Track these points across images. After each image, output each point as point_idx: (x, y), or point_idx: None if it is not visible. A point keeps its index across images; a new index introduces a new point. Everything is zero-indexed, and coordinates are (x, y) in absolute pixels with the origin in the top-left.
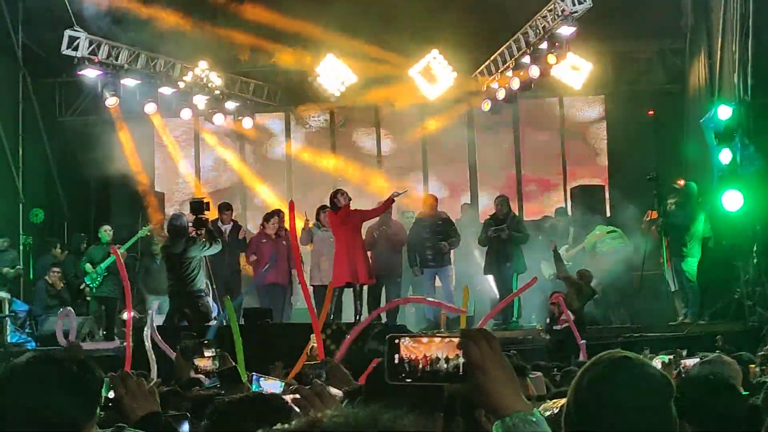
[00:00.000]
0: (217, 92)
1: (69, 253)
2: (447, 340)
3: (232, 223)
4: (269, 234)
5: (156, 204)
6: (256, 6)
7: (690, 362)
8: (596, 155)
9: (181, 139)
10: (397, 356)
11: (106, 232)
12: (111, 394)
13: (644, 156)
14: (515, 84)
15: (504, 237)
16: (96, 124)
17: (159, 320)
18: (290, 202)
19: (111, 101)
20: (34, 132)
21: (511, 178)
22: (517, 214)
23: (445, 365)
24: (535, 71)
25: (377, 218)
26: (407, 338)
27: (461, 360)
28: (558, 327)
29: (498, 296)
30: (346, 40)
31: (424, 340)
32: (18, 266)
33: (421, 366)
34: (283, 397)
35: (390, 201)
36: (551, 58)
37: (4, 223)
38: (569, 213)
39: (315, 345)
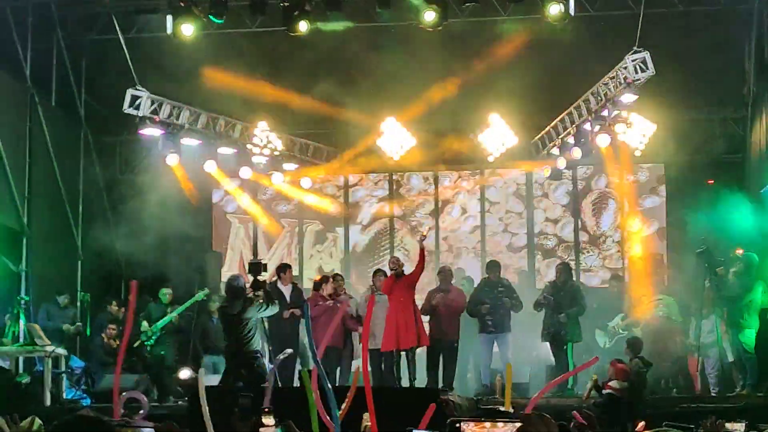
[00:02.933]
0: (277, 153)
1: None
2: (508, 425)
3: (291, 284)
4: (325, 296)
5: (214, 265)
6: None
7: None
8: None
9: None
10: None
11: (166, 294)
12: None
13: (703, 225)
14: (576, 153)
15: (550, 305)
16: (156, 183)
17: (213, 380)
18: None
19: (171, 159)
20: (94, 189)
21: (567, 247)
22: (576, 282)
23: None
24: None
25: (438, 285)
26: (470, 423)
27: None
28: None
29: (554, 364)
30: (406, 103)
31: (487, 425)
32: (77, 323)
33: None
34: None
35: (422, 250)
36: (618, 127)
37: (63, 279)
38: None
39: (368, 424)
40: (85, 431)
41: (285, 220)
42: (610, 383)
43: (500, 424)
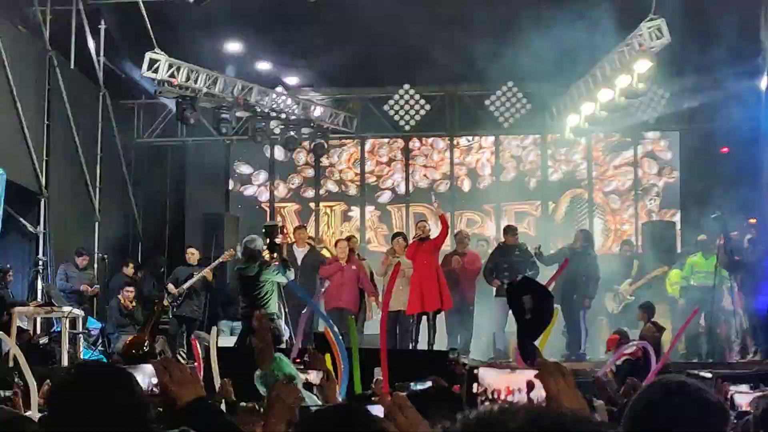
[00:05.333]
0: (293, 117)
1: (146, 273)
2: (526, 372)
3: (307, 245)
4: (339, 258)
5: (231, 227)
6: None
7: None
8: (669, 191)
9: (254, 161)
10: (476, 385)
11: (192, 254)
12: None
13: (717, 194)
14: (589, 110)
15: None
16: (172, 147)
17: (230, 341)
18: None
19: (190, 121)
20: (112, 152)
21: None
22: (594, 253)
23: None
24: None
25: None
26: (489, 368)
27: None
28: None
29: (565, 327)
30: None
31: (506, 370)
32: (96, 284)
33: (502, 396)
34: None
35: (442, 216)
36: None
37: (80, 241)
38: (639, 249)
39: (380, 378)
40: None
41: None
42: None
43: (517, 371)
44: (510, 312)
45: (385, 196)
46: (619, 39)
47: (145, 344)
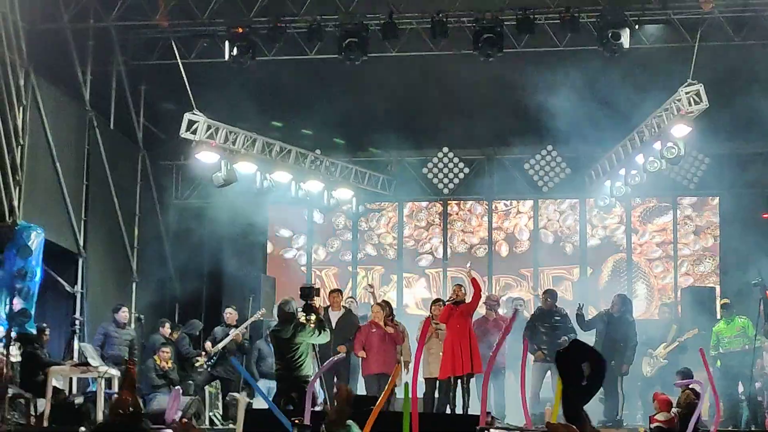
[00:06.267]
0: (331, 179)
1: (183, 333)
2: None
3: (342, 309)
4: (378, 323)
5: (268, 289)
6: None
7: None
8: (709, 256)
9: (294, 224)
10: None
11: (230, 314)
12: None
13: (758, 259)
14: (631, 179)
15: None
16: (210, 207)
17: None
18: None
19: (228, 183)
20: (150, 212)
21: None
22: (632, 318)
23: None
24: (651, 166)
25: (485, 313)
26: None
27: None
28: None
29: (603, 393)
30: (460, 132)
31: None
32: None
33: None
34: None
35: (474, 280)
36: (667, 155)
37: (117, 301)
38: (679, 313)
39: None
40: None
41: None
42: (656, 416)
43: None
44: (545, 377)
45: (424, 261)
46: (658, 104)
47: (129, 404)
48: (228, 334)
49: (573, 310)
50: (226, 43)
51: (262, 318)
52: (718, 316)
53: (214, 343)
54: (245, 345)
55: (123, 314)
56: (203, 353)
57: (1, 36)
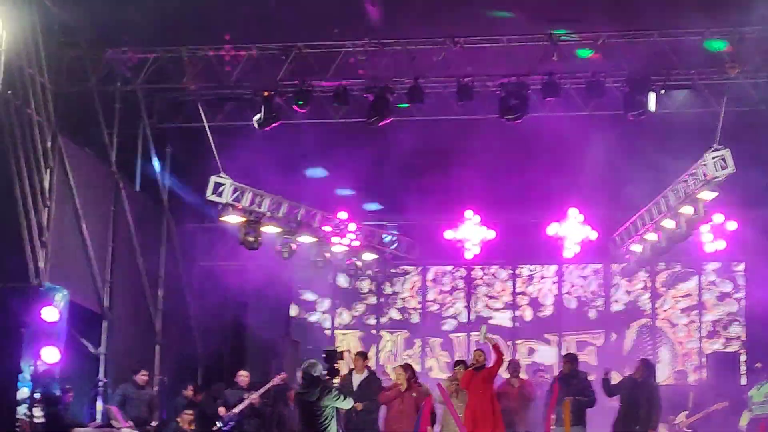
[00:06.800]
0: (356, 243)
1: (205, 396)
2: None
3: (366, 371)
4: (399, 385)
5: (292, 351)
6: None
7: None
8: (734, 322)
9: (318, 288)
10: None
11: (243, 377)
12: None
13: None
14: (655, 244)
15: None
16: (235, 270)
17: None
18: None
19: (253, 246)
20: (174, 274)
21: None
22: (655, 383)
23: None
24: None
25: (508, 377)
26: None
27: None
28: None
29: None
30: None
31: None
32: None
33: None
34: None
35: (495, 345)
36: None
37: (141, 363)
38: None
39: None
40: None
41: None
42: None
43: None
44: None
45: (448, 325)
46: (683, 168)
47: None
48: (241, 398)
49: (599, 375)
50: (253, 106)
51: (282, 382)
52: (744, 382)
53: (227, 407)
54: (263, 409)
55: (142, 377)
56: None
57: (29, 98)
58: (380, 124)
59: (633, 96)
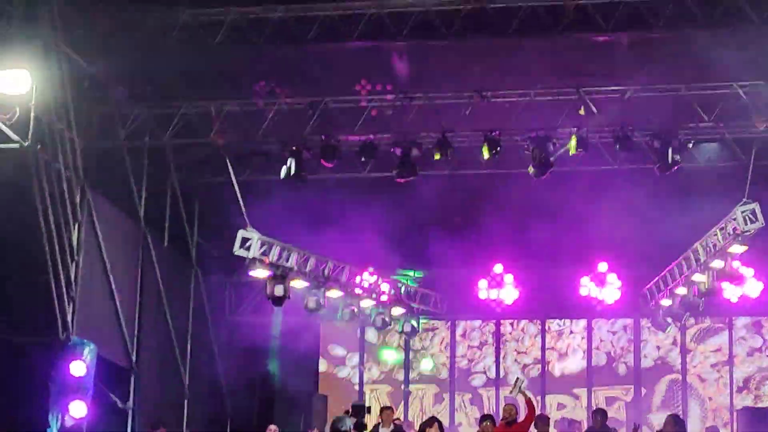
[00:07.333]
0: (384, 298)
1: None
2: None
3: (392, 425)
4: None
5: (320, 406)
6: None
7: None
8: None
9: (347, 342)
10: None
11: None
12: None
13: None
14: (685, 299)
15: None
16: (263, 324)
17: None
18: None
19: (281, 300)
20: (202, 327)
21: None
22: None
23: None
24: (706, 286)
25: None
26: None
27: None
28: None
29: None
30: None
31: None
32: None
33: None
34: None
35: (528, 400)
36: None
37: (169, 417)
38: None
39: None
40: None
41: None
42: None
43: None
44: None
45: (477, 380)
46: (713, 222)
47: None
48: None
49: (628, 430)
50: (280, 160)
51: None
52: None
53: None
54: None
55: None
56: None
57: (57, 152)
58: (408, 178)
59: (661, 150)
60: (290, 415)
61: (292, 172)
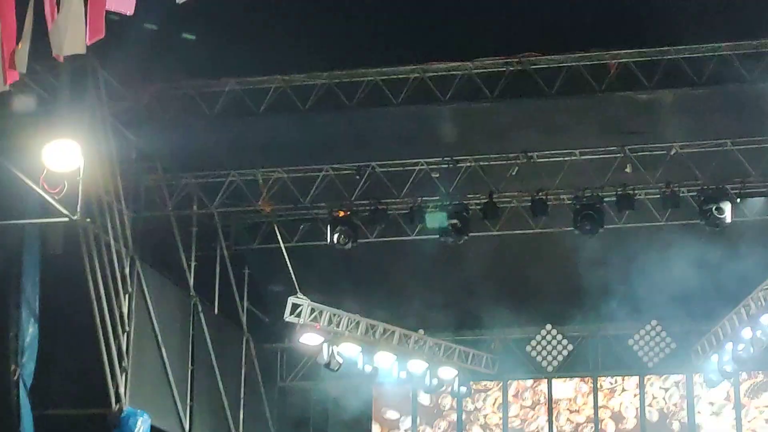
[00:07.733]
0: (435, 359)
1: None
2: None
3: None
4: None
5: None
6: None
7: None
8: None
9: (400, 405)
10: None
11: None
12: None
13: None
14: (738, 354)
15: None
16: (316, 390)
17: None
18: None
19: (334, 365)
20: (255, 395)
21: None
22: None
23: None
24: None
25: None
26: None
27: None
28: None
29: None
30: (563, 309)
31: None
32: None
33: None
34: None
35: None
36: None
37: None
38: None
39: None
40: None
41: None
42: None
43: None
44: None
45: None
46: (764, 276)
47: None
48: None
49: None
50: (328, 226)
51: None
52: None
53: None
54: None
55: None
56: None
57: (106, 225)
58: (457, 241)
59: (708, 206)
60: None
61: (341, 237)
